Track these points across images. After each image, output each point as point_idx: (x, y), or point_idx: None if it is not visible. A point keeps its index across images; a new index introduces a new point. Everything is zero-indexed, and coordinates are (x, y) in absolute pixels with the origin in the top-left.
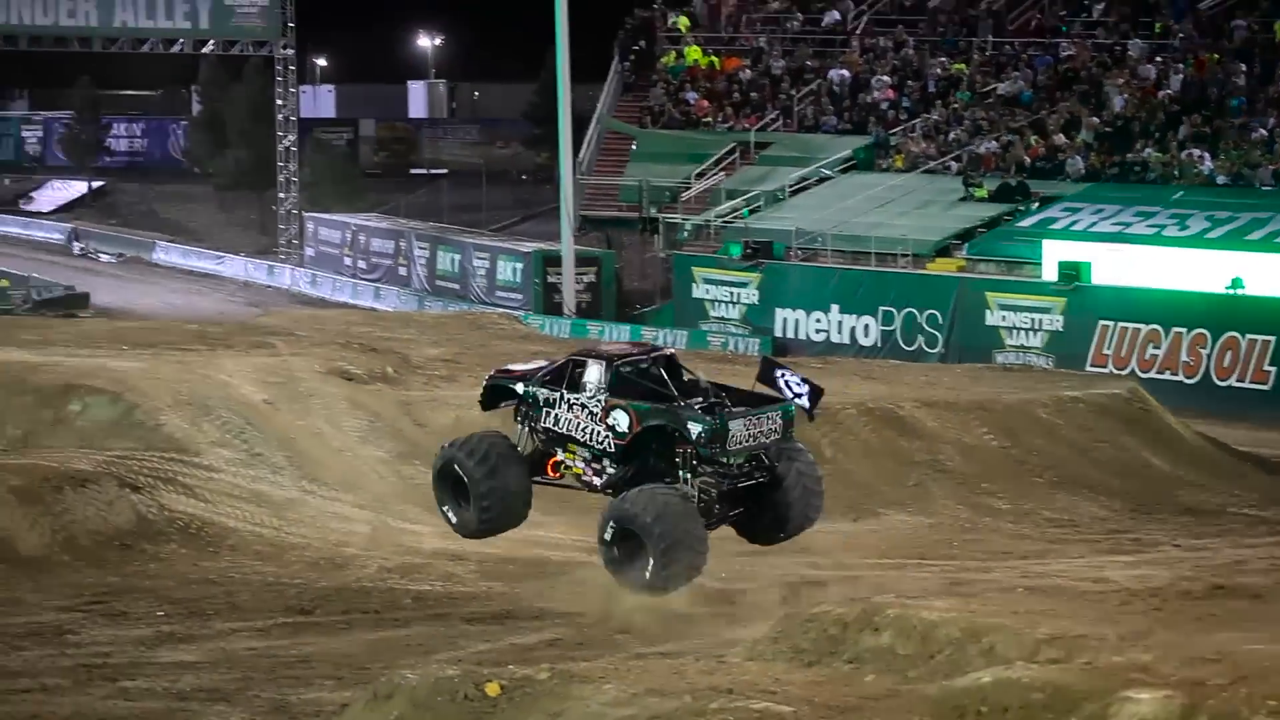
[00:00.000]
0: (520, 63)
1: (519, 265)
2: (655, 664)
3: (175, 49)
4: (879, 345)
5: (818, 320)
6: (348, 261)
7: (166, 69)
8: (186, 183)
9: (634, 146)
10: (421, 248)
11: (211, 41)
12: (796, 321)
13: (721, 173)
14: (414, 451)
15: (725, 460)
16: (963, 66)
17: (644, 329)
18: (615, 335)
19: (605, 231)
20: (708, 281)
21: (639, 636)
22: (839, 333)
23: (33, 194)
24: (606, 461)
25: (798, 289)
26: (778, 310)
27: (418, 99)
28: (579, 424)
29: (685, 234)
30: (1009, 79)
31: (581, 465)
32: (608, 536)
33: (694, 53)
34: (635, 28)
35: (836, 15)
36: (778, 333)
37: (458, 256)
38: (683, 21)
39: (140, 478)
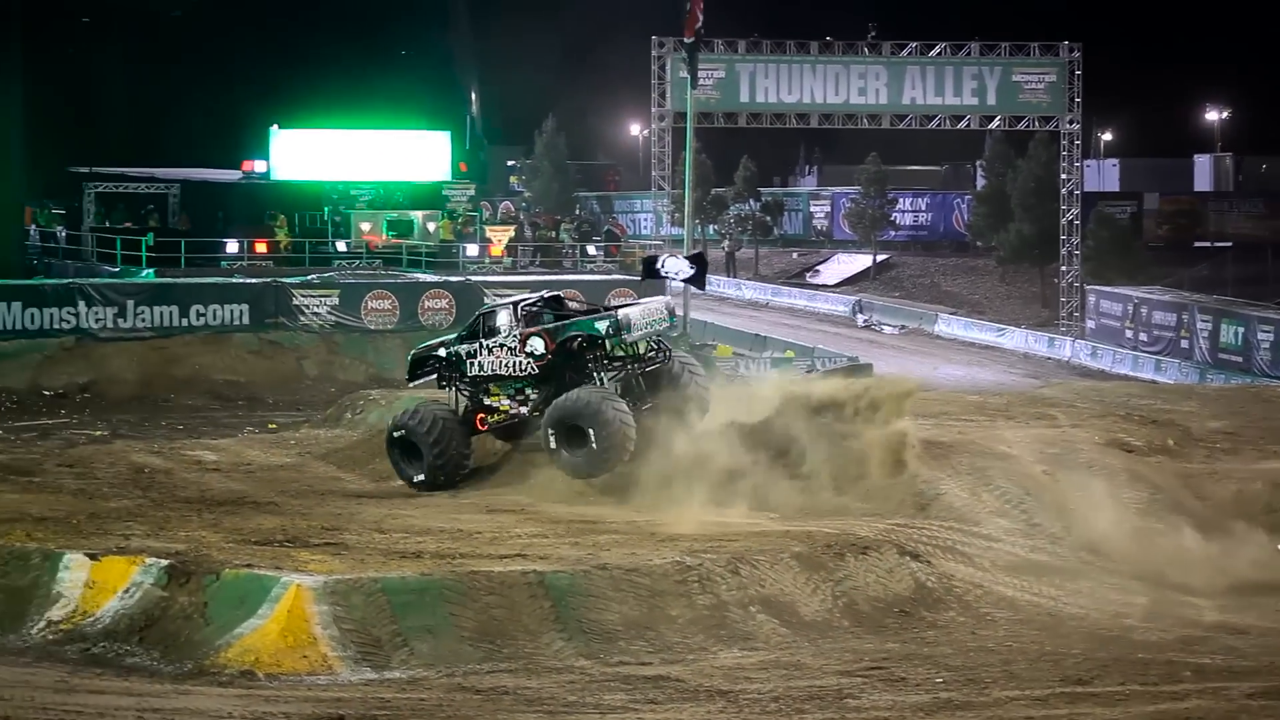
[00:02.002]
0: None
1: None
2: None
3: (962, 125)
4: None
5: None
6: (1129, 334)
7: (952, 144)
8: (968, 256)
9: None
10: (1204, 320)
11: (998, 117)
12: None
13: None
14: (1196, 524)
15: (630, 349)
16: None
17: None
18: None
19: None
20: None
21: None
22: None
23: (819, 267)
24: (529, 390)
25: None
26: None
27: (1203, 172)
28: (501, 362)
29: None
30: None
31: (507, 401)
32: (552, 443)
33: None
34: None
35: None
36: None
37: (1241, 329)
38: None
39: (920, 545)
